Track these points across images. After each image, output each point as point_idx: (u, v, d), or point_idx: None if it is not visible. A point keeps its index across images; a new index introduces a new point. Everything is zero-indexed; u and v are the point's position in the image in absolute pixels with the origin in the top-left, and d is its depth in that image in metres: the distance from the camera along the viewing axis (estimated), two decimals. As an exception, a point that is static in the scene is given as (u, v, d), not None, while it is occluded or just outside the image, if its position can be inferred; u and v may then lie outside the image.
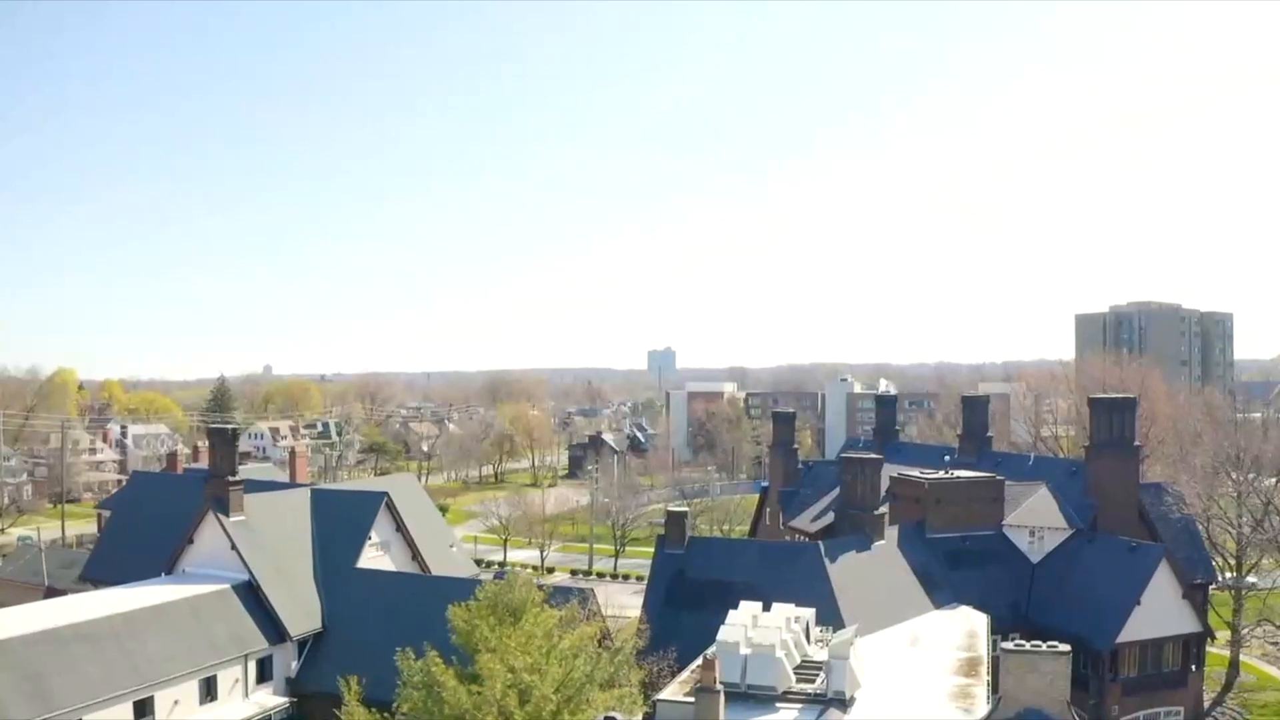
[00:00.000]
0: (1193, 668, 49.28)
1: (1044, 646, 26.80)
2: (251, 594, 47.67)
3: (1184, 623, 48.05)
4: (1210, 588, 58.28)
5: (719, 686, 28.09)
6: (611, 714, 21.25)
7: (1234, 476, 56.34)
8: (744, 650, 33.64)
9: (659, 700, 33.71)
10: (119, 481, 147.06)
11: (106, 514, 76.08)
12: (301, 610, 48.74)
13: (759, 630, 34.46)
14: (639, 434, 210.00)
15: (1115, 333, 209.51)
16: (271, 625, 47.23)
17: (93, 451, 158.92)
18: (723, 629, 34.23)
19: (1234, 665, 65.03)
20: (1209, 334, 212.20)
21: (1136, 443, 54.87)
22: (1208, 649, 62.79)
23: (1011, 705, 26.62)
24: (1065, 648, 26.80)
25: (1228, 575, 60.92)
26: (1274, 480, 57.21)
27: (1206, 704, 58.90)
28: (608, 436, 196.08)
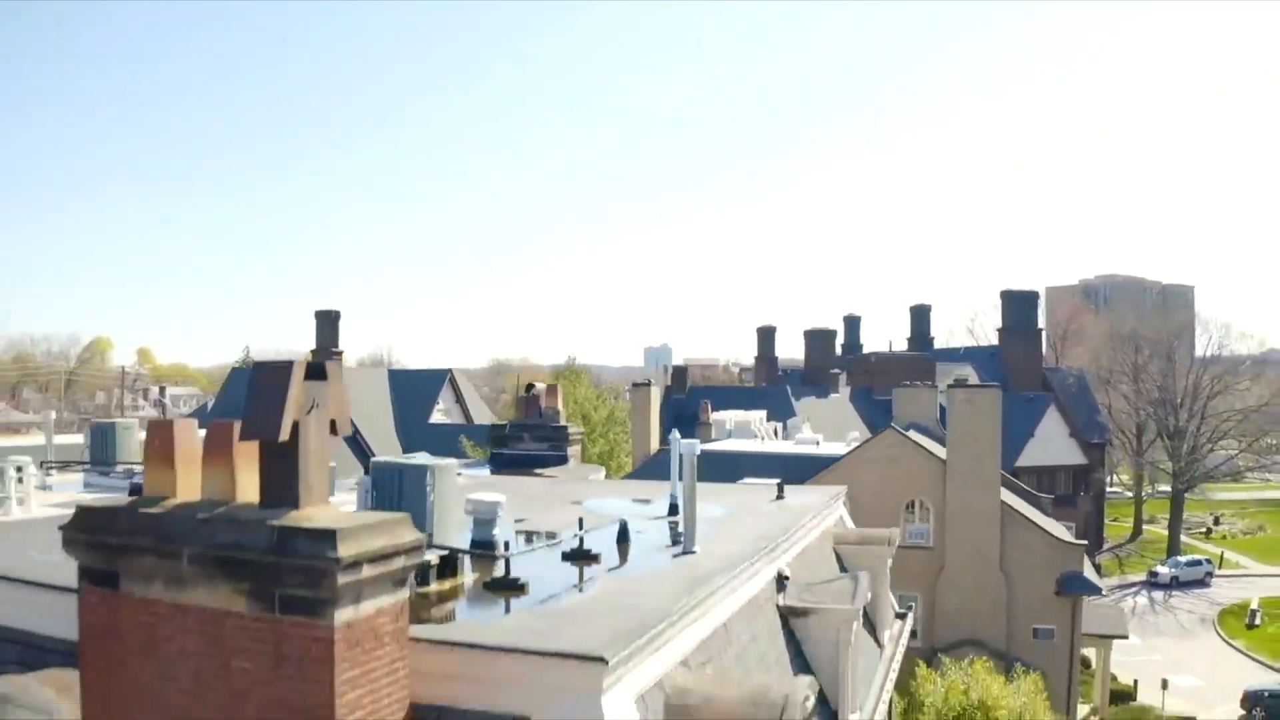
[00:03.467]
0: (1081, 493, 63.31)
1: (922, 385, 40.88)
2: (350, 437, 61.58)
3: (1073, 456, 62.17)
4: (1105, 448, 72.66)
5: (710, 421, 42.07)
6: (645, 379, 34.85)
7: (1125, 353, 70.64)
8: (728, 426, 47.64)
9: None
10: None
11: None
12: (387, 450, 62.61)
13: (742, 415, 48.50)
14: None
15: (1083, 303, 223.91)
16: (365, 458, 61.11)
17: (136, 408, 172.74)
18: (716, 413, 48.24)
19: (1137, 525, 79.87)
20: (1171, 305, 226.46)
21: (1040, 327, 69.07)
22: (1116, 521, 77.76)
23: (902, 421, 40.61)
24: (939, 386, 40.86)
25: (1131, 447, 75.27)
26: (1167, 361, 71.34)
27: (1109, 545, 73.56)
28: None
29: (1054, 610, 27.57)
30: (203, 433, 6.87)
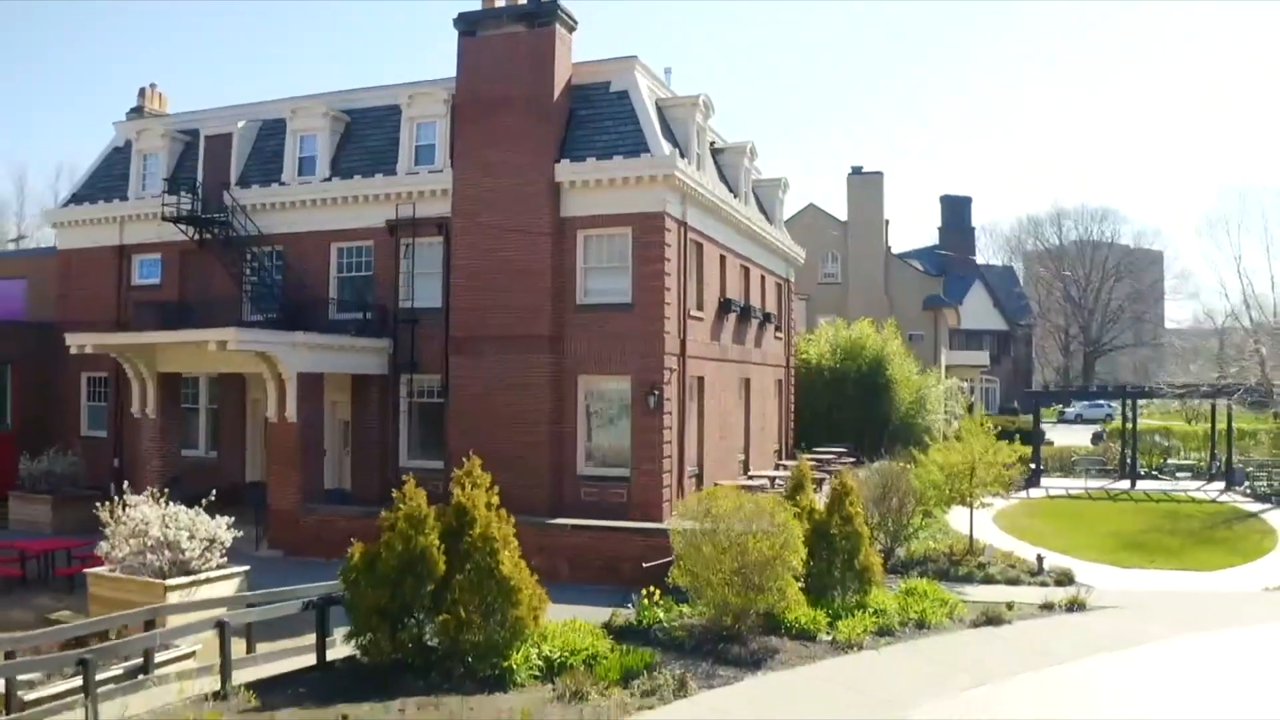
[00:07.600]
0: (1005, 355, 77.45)
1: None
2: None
3: (995, 323, 76.34)
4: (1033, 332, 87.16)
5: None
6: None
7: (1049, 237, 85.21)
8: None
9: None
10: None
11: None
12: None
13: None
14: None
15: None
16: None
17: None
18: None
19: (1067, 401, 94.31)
20: (1137, 262, 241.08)
21: (972, 226, 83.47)
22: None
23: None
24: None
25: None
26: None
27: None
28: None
29: (923, 321, 41.24)
30: None
